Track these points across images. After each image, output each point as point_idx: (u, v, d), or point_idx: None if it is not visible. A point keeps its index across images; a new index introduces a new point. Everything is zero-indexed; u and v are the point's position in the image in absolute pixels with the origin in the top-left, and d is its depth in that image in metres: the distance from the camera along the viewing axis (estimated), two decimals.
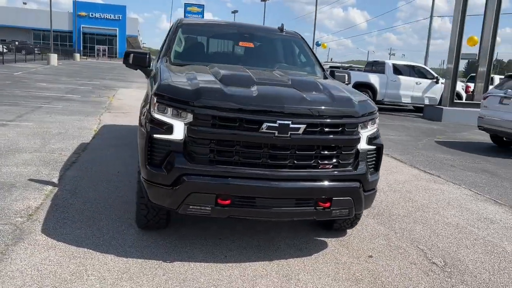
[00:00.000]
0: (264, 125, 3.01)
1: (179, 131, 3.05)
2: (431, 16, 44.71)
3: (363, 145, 3.36)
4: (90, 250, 3.29)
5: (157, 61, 4.66)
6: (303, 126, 3.07)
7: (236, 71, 3.74)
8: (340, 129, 3.22)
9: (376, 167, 3.53)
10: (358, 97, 3.53)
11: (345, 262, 3.48)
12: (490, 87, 13.61)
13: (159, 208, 3.46)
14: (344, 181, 3.28)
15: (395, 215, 4.67)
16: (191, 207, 3.10)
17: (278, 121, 3.02)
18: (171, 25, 5.69)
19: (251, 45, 4.63)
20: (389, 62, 17.12)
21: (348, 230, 4.10)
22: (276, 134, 3.02)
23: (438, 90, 16.54)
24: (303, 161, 3.17)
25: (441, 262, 3.61)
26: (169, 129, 3.07)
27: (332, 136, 3.20)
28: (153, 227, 3.65)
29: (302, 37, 5.02)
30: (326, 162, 3.24)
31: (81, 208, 4.10)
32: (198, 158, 3.07)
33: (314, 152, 3.18)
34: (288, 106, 3.08)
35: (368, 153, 3.43)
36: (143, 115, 3.34)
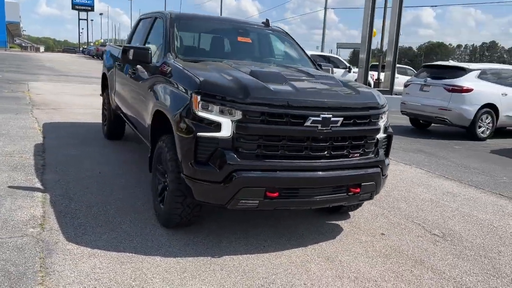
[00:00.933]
0: (309, 119, 3.19)
1: (227, 128, 3.10)
2: (325, 8, 47.46)
3: (380, 134, 3.70)
4: (133, 254, 3.21)
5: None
6: (341, 119, 3.31)
7: (262, 67, 3.85)
8: (368, 120, 3.52)
9: (387, 153, 3.90)
10: (373, 89, 3.87)
11: (366, 241, 3.82)
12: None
13: (194, 205, 3.47)
14: (369, 167, 3.59)
15: (378, 195, 5.12)
16: (241, 201, 3.18)
17: (322, 115, 3.22)
18: (143, 18, 5.54)
19: (248, 40, 4.71)
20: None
21: (350, 212, 4.45)
22: (319, 128, 3.23)
23: (350, 78, 17.80)
24: (338, 151, 3.42)
25: (440, 233, 4.13)
26: (216, 126, 3.11)
27: (362, 127, 3.49)
28: (184, 225, 3.64)
29: (287, 32, 5.23)
30: (354, 151, 3.52)
31: (89, 213, 3.91)
32: (245, 153, 3.15)
33: (347, 143, 3.44)
34: (328, 101, 3.30)
35: (383, 141, 3.78)
36: (179, 114, 3.29)
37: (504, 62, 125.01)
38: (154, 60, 4.25)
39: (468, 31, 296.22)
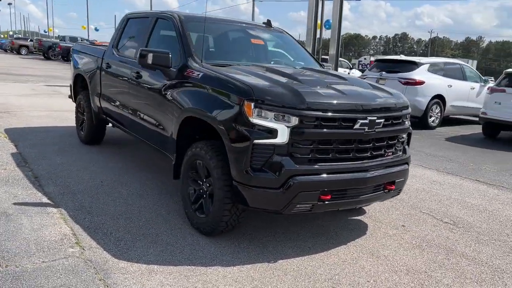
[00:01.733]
0: (358, 122, 3.31)
1: (283, 135, 3.12)
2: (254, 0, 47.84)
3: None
4: (192, 266, 3.14)
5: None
6: (383, 120, 3.47)
7: (295, 72, 3.88)
8: (401, 120, 3.72)
9: None
10: (397, 91, 4.07)
11: (395, 234, 4.04)
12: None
13: (240, 212, 3.47)
14: (400, 165, 3.80)
15: None
16: (297, 206, 3.23)
17: (368, 118, 3.35)
18: (133, 18, 5.32)
19: (261, 42, 4.70)
20: None
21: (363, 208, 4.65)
22: (366, 130, 3.36)
23: None
24: (378, 151, 3.57)
25: (451, 221, 4.46)
26: (272, 133, 3.11)
27: (396, 127, 3.67)
28: (227, 231, 3.61)
29: (287, 33, 5.28)
30: (389, 150, 3.70)
31: (119, 226, 3.73)
32: (299, 158, 3.19)
33: (384, 143, 3.60)
34: (373, 103, 3.44)
35: (406, 138, 4.00)
36: (229, 121, 3.24)
37: (415, 52, 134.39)
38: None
39: (380, 22, 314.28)
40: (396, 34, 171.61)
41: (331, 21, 17.46)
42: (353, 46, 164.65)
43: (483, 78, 12.05)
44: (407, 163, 3.87)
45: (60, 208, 4.01)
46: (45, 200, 4.20)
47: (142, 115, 4.63)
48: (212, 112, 3.43)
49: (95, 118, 6.05)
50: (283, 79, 3.51)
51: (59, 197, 4.28)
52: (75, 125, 7.77)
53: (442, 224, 4.36)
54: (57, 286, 2.75)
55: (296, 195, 3.17)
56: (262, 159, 3.15)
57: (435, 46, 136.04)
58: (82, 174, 5.08)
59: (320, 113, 3.17)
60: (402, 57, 11.59)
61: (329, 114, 3.20)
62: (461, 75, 11.43)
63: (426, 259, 3.55)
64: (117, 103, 5.23)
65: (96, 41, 38.17)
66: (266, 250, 3.50)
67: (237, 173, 3.22)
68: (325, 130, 3.21)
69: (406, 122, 3.81)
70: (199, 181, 3.73)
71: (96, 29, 66.08)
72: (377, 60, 12.02)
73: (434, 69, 10.83)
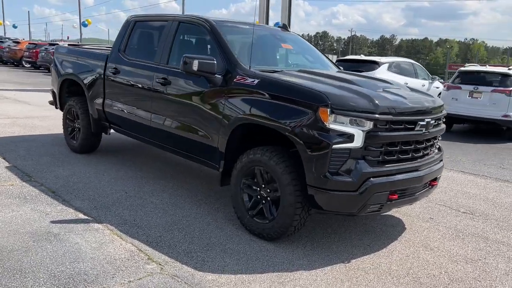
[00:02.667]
0: (419, 124, 3.52)
1: (358, 139, 3.24)
2: None
3: None
4: (278, 273, 3.17)
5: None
6: (433, 121, 3.72)
7: (345, 75, 4.01)
8: (441, 120, 4.00)
9: None
10: None
11: (429, 227, 4.32)
12: None
13: (307, 216, 3.54)
14: (440, 162, 4.08)
15: None
16: (371, 207, 3.37)
17: (426, 119, 3.58)
18: (141, 21, 5.18)
19: (290, 47, 4.74)
20: None
21: None
22: (423, 131, 3.59)
23: None
24: (426, 150, 3.82)
25: (467, 211, 4.86)
26: (349, 138, 3.22)
27: (439, 127, 3.95)
28: (292, 235, 3.66)
29: (300, 35, 5.39)
30: (432, 149, 3.97)
31: (177, 237, 3.63)
32: (371, 161, 3.34)
33: (431, 142, 3.86)
34: (427, 106, 3.69)
35: None
36: (304, 128, 3.29)
37: (335, 50, 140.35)
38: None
39: (299, 21, 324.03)
40: (317, 33, 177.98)
41: (280, 23, 17.94)
42: None
43: (430, 76, 13.00)
44: (442, 160, 4.17)
45: (105, 224, 3.80)
46: (82, 216, 3.95)
47: (171, 122, 4.49)
48: (280, 119, 3.45)
49: (94, 125, 5.74)
50: (343, 84, 3.63)
51: (94, 212, 4.05)
52: (49, 133, 7.43)
53: (462, 214, 4.73)
54: None
55: (371, 197, 3.31)
56: (339, 163, 3.25)
57: (354, 44, 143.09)
58: (100, 185, 4.82)
59: (391, 116, 3.34)
60: (363, 57, 12.17)
61: (398, 117, 3.38)
62: (414, 73, 12.25)
63: (472, 248, 3.86)
64: (131, 109, 5.02)
65: (22, 39, 35.42)
66: (333, 251, 3.60)
67: (313, 178, 3.28)
68: (394, 133, 3.38)
69: (443, 123, 4.10)
70: (254, 187, 3.73)
71: (15, 26, 60.84)
72: (338, 61, 12.49)
73: (392, 68, 11.50)
